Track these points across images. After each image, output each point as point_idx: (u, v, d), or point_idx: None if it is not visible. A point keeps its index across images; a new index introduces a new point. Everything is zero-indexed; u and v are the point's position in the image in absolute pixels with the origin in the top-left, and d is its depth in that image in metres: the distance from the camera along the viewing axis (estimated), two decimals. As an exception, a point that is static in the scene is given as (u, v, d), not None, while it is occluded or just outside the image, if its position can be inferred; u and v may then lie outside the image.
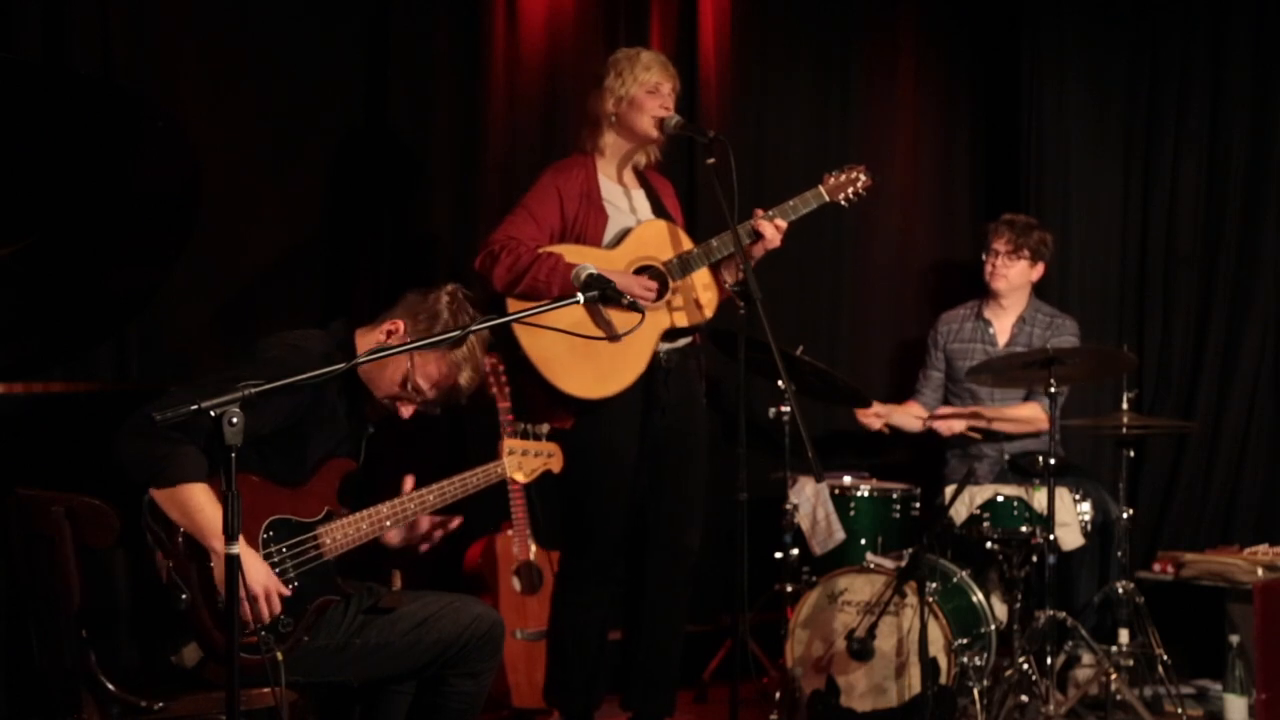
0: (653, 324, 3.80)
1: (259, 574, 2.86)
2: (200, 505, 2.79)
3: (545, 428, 3.42)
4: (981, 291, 5.15)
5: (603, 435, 3.84)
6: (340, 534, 3.03)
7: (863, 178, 4.03)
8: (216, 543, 2.78)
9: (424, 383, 3.10)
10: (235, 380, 2.50)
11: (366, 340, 3.12)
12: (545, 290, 3.69)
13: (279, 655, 2.84)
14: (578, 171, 3.93)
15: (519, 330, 3.78)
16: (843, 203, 4.04)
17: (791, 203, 3.95)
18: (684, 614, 4.08)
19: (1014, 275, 5.01)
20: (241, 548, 2.79)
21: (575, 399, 3.79)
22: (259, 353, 2.97)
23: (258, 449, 2.91)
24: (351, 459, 3.12)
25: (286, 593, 2.91)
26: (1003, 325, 5.08)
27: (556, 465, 3.44)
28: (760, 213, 3.89)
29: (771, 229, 3.87)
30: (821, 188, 3.99)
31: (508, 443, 3.33)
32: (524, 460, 3.35)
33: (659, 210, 4.00)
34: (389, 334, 3.10)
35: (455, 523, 3.26)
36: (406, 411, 3.14)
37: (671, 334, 3.88)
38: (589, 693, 4.00)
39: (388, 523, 3.09)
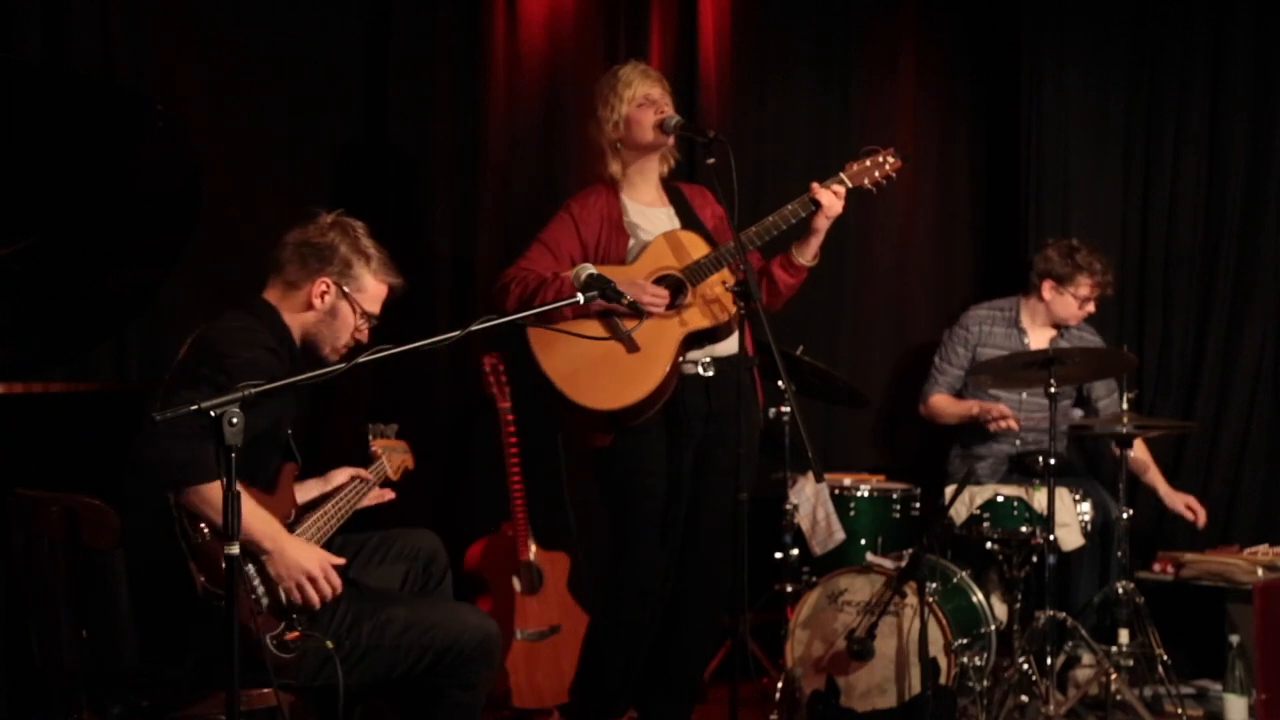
0: (672, 330, 3.76)
1: (308, 553, 2.94)
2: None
3: (394, 427, 3.50)
4: (1003, 291, 5.17)
5: (640, 450, 3.81)
6: (309, 534, 3.08)
7: (890, 160, 3.86)
8: (267, 543, 2.87)
9: (375, 307, 3.20)
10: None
11: (291, 308, 3.14)
12: (555, 312, 3.65)
13: (329, 644, 2.90)
14: (596, 198, 3.91)
15: (537, 350, 3.76)
16: (869, 188, 3.87)
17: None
18: (715, 629, 4.07)
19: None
20: (282, 536, 2.90)
21: (599, 412, 3.76)
22: (223, 359, 2.92)
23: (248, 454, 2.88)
24: (292, 460, 3.16)
25: (340, 562, 3.00)
26: (1039, 338, 5.05)
27: (410, 462, 3.51)
28: (817, 185, 3.81)
29: (829, 195, 3.79)
30: (843, 174, 3.85)
31: (377, 442, 3.42)
32: (391, 457, 3.43)
33: (690, 222, 3.94)
34: (322, 295, 3.12)
35: (388, 496, 3.40)
36: (365, 336, 3.22)
37: (701, 338, 3.82)
38: (615, 702, 3.99)
39: (335, 520, 3.17)
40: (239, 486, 2.76)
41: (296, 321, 3.14)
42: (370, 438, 3.43)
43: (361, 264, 3.15)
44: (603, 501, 3.92)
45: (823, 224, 3.84)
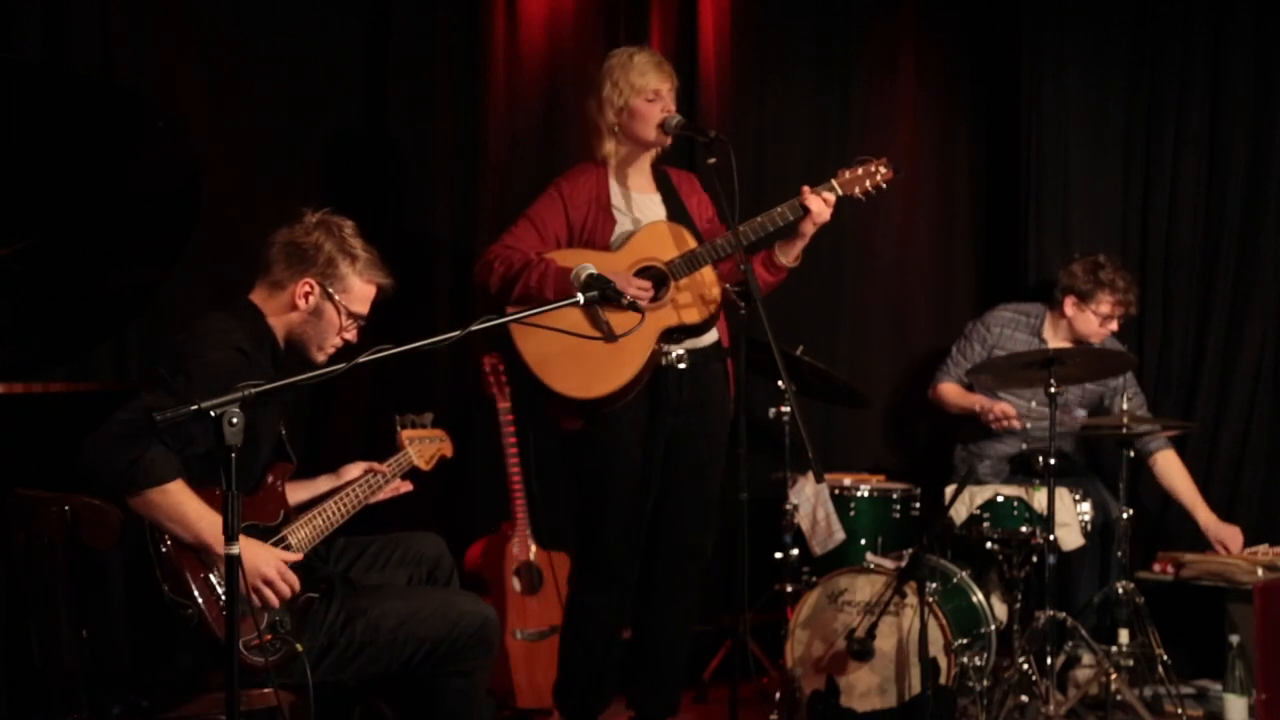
0: (651, 323, 3.77)
1: (263, 555, 2.90)
2: (180, 503, 2.78)
3: (429, 416, 3.49)
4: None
5: (610, 437, 3.81)
6: (302, 533, 3.07)
7: (882, 170, 3.86)
8: (209, 539, 2.78)
9: (362, 307, 3.16)
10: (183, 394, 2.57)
11: (275, 309, 3.12)
12: (538, 294, 3.68)
13: (299, 646, 2.86)
14: (586, 178, 3.91)
15: (515, 332, 3.77)
16: (859, 196, 3.87)
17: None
18: (693, 616, 4.06)
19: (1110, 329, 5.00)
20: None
21: (569, 399, 3.77)
22: (186, 360, 2.90)
23: (211, 461, 2.84)
24: (286, 460, 3.15)
25: (297, 558, 2.96)
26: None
27: (448, 450, 3.51)
28: (808, 190, 3.81)
29: (819, 202, 3.79)
30: (835, 181, 3.85)
31: (405, 433, 3.41)
32: (423, 447, 3.42)
33: (678, 211, 3.95)
34: (306, 296, 3.10)
35: (406, 487, 3.40)
36: (354, 337, 3.19)
37: (679, 333, 3.83)
38: (595, 694, 3.99)
39: (336, 517, 3.16)
40: (183, 486, 2.78)
41: (281, 322, 3.12)
42: (398, 429, 3.41)
43: (347, 264, 3.11)
44: (572, 485, 3.92)
45: (809, 229, 3.85)
